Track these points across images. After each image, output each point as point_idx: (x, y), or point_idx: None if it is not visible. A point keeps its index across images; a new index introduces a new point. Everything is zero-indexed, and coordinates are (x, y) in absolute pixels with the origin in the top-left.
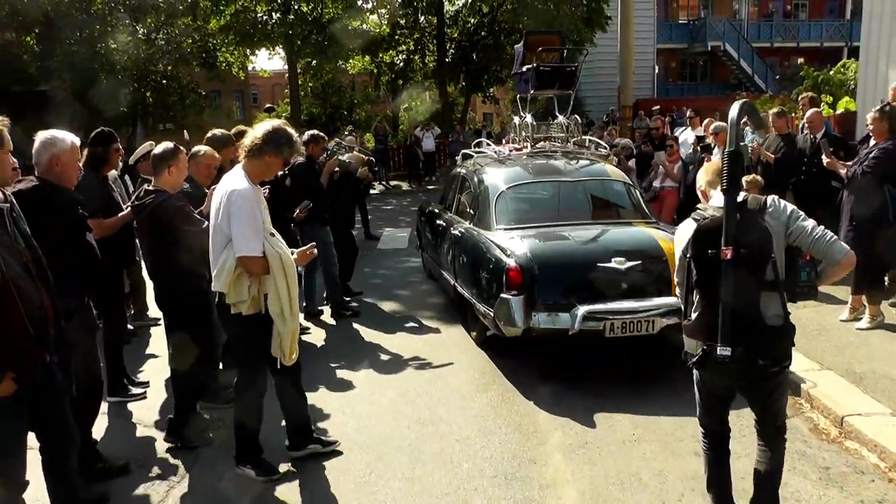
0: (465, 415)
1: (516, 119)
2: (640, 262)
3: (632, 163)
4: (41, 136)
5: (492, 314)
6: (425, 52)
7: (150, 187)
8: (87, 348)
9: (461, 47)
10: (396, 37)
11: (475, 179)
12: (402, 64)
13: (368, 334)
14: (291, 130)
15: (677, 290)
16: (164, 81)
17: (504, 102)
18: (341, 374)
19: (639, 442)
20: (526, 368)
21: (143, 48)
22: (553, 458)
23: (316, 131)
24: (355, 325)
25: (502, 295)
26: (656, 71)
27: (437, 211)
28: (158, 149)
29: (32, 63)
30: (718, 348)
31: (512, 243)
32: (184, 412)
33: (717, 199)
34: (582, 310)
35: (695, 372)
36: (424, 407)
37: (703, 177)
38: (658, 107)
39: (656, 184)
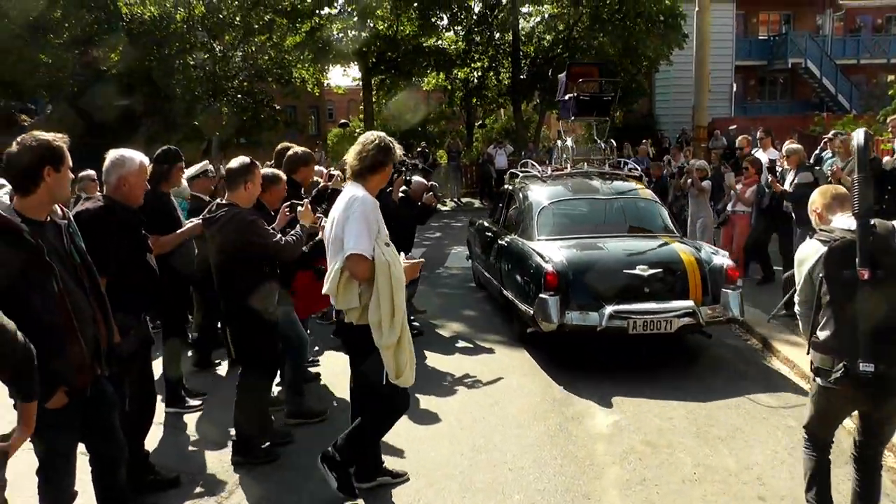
0: (520, 443)
1: (559, 142)
2: (660, 270)
3: (706, 184)
4: (111, 155)
5: (531, 312)
6: (499, 69)
7: (223, 201)
8: (142, 363)
9: (536, 64)
10: (471, 53)
11: (521, 196)
12: (476, 81)
13: (430, 356)
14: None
15: (798, 308)
16: (239, 97)
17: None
18: None
19: (700, 482)
20: (587, 397)
21: (219, 65)
22: (608, 494)
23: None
24: (417, 346)
25: (541, 295)
26: (734, 89)
27: (486, 224)
28: (235, 163)
29: (114, 79)
30: (861, 364)
31: (551, 251)
32: (256, 432)
33: (841, 221)
34: (609, 309)
35: (816, 384)
36: (480, 434)
37: (818, 199)
38: (735, 126)
39: (729, 207)
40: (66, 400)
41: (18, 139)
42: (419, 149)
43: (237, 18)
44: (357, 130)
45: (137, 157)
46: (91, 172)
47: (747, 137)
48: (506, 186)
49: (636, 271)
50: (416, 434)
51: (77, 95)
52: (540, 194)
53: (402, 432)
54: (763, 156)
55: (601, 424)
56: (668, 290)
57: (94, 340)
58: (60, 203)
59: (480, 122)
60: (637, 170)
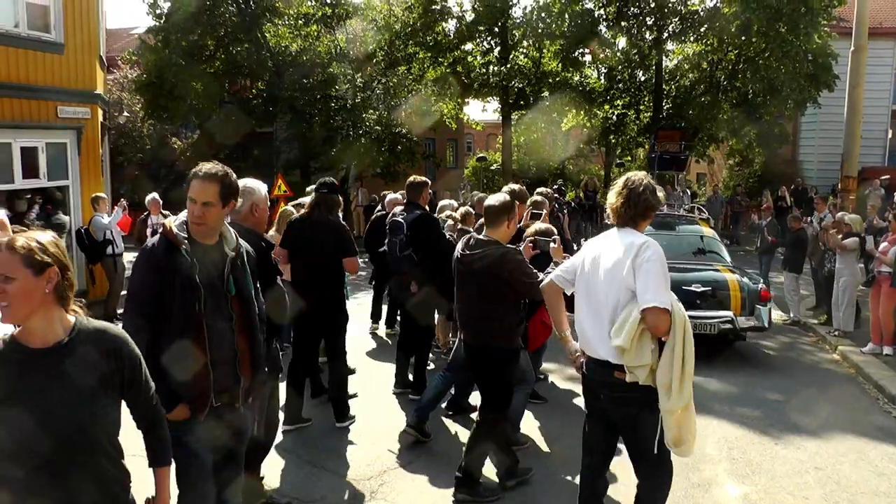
0: None
1: None
2: (710, 288)
3: (850, 241)
4: (239, 184)
5: None
6: (639, 107)
7: (483, 237)
8: (270, 390)
9: (676, 105)
10: (612, 91)
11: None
12: (615, 118)
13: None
14: None
15: None
16: (378, 128)
17: (720, 163)
18: None
19: None
20: (714, 460)
21: (360, 95)
22: None
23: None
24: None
25: None
26: (889, 135)
27: None
28: (496, 200)
29: (260, 106)
30: None
31: None
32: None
33: None
34: None
35: None
36: None
37: None
38: (887, 176)
39: (874, 268)
40: (187, 414)
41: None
42: (555, 186)
43: (380, 52)
44: (494, 164)
45: (262, 186)
46: (155, 195)
47: None
48: (605, 222)
49: (692, 288)
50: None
51: (223, 122)
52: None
53: None
54: None
55: (729, 498)
56: (716, 304)
57: (230, 371)
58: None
59: (619, 161)
60: (705, 213)
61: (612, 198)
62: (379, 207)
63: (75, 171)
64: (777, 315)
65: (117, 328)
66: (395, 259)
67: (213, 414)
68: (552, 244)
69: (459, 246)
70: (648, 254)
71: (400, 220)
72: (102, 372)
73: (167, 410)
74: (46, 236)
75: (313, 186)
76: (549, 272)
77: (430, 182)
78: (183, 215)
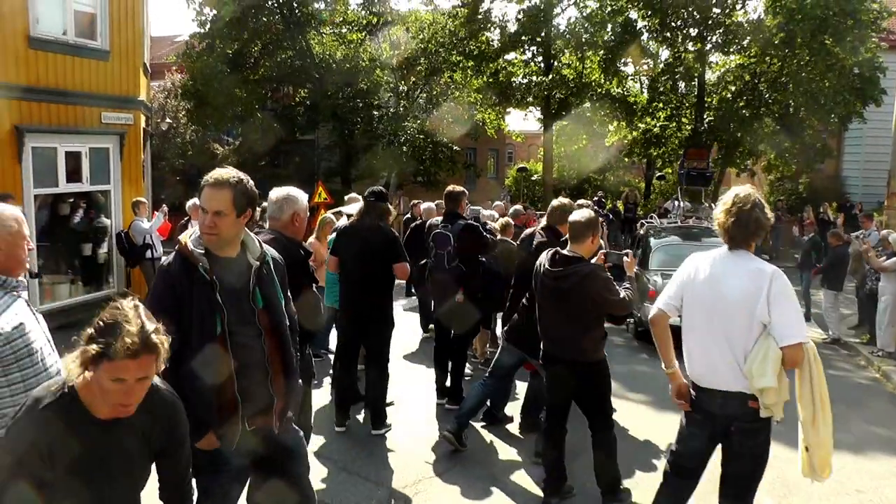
0: None
1: (676, 202)
2: None
3: (891, 262)
4: (280, 192)
5: (640, 316)
6: (681, 119)
7: (568, 253)
8: (303, 396)
9: (717, 117)
10: (654, 103)
11: (645, 239)
12: (656, 130)
13: None
14: None
15: None
16: (420, 136)
17: (761, 178)
18: None
19: None
20: None
21: (402, 103)
22: None
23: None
24: None
25: (645, 304)
26: None
27: None
28: (581, 216)
29: (304, 114)
30: None
31: (656, 278)
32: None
33: None
34: None
35: None
36: None
37: None
38: None
39: None
40: (217, 443)
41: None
42: (595, 198)
43: (422, 59)
44: (535, 175)
45: (303, 194)
46: (196, 201)
47: None
48: (639, 231)
49: None
50: None
51: (266, 129)
52: (656, 240)
53: None
54: None
55: None
56: None
57: (263, 390)
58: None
59: (659, 174)
60: None
61: (721, 216)
62: (409, 215)
63: (117, 176)
64: (817, 333)
65: (170, 391)
66: (443, 271)
67: (247, 439)
68: (625, 258)
69: (544, 261)
70: (782, 284)
71: (446, 231)
72: (148, 435)
73: (196, 439)
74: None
75: (352, 195)
76: (625, 286)
77: (467, 192)
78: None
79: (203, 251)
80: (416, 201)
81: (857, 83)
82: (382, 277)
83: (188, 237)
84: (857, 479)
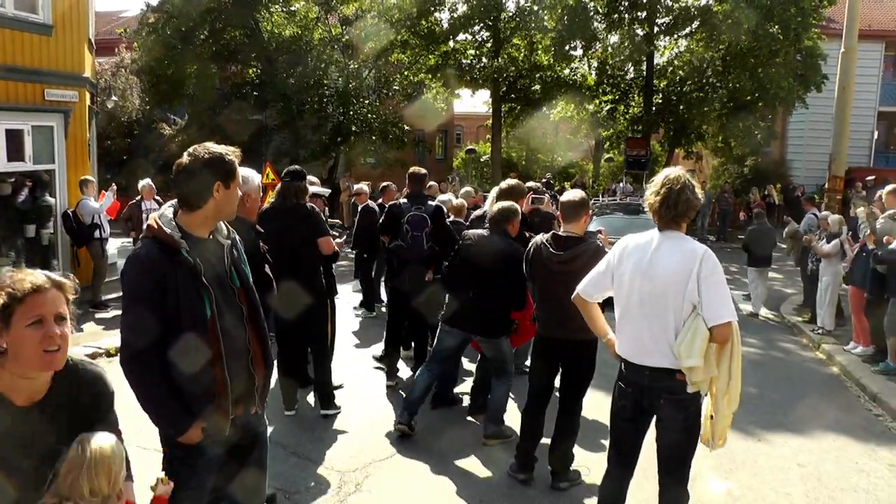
0: None
1: (621, 184)
2: None
3: (828, 247)
4: None
5: None
6: (630, 102)
7: (563, 233)
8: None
9: (665, 99)
10: (602, 86)
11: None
12: (604, 113)
13: None
14: None
15: None
16: (370, 116)
17: (707, 160)
18: None
19: None
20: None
21: (352, 83)
22: None
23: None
24: None
25: None
26: (875, 136)
27: None
28: (574, 196)
29: (251, 94)
30: None
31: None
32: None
33: None
34: None
35: None
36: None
37: None
38: (873, 177)
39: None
40: (200, 436)
41: (191, 150)
42: (544, 179)
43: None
44: (484, 156)
45: (255, 175)
46: (149, 181)
47: None
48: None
49: None
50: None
51: (214, 108)
52: (598, 216)
53: None
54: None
55: (713, 493)
56: None
57: (245, 374)
58: (226, 219)
59: (608, 156)
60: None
61: (651, 197)
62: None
63: (62, 155)
64: (764, 311)
65: (92, 364)
66: (418, 252)
67: (228, 427)
68: (599, 235)
69: (542, 244)
70: (711, 265)
71: (421, 213)
72: (73, 412)
73: (180, 432)
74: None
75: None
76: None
77: (427, 174)
78: (168, 210)
79: (179, 234)
80: (386, 183)
81: (801, 70)
82: (309, 256)
83: (158, 219)
84: (800, 455)
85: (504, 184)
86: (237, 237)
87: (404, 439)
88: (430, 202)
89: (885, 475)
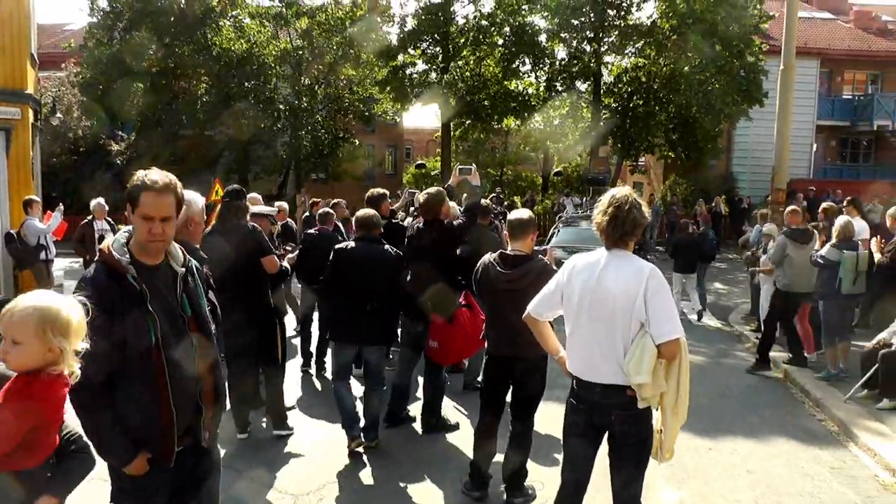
0: None
1: (569, 198)
2: None
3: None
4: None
5: None
6: (579, 117)
7: (511, 252)
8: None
9: (614, 113)
10: (551, 101)
11: (557, 224)
12: (553, 127)
13: None
14: None
15: None
16: (322, 132)
17: (654, 172)
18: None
19: None
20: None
21: (304, 99)
22: None
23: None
24: None
25: None
26: (814, 149)
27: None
28: (523, 214)
29: (201, 109)
30: None
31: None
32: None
33: None
34: None
35: None
36: None
37: None
38: (813, 188)
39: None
40: (146, 468)
41: (136, 176)
42: (493, 194)
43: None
44: (434, 171)
45: (199, 198)
46: (101, 200)
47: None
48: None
49: None
50: None
51: (164, 124)
52: (562, 224)
53: None
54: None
55: (666, 502)
56: None
57: (193, 405)
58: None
59: (556, 170)
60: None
61: (598, 217)
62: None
63: (3, 174)
64: (713, 322)
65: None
66: None
67: (177, 456)
68: (541, 256)
69: (489, 263)
70: (657, 282)
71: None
72: None
73: (124, 463)
74: None
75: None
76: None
77: (388, 193)
78: (122, 235)
79: (129, 259)
80: (336, 200)
81: (744, 85)
82: (254, 275)
83: (111, 245)
84: (749, 461)
85: (426, 193)
86: (195, 265)
87: (358, 460)
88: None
89: (827, 478)
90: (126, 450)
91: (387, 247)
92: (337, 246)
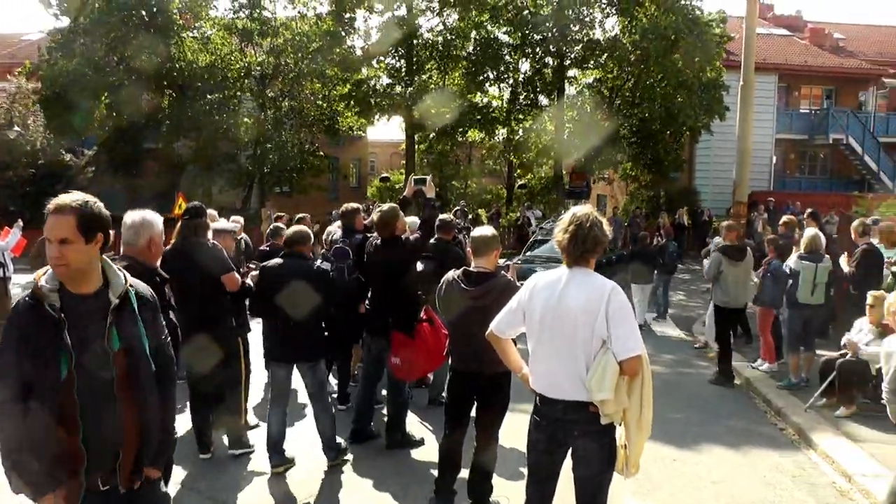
0: None
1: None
2: None
3: None
4: (136, 217)
5: None
6: (542, 131)
7: (478, 269)
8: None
9: (577, 128)
10: (515, 113)
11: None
12: (516, 139)
13: None
14: None
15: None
16: (289, 145)
17: (618, 184)
18: None
19: None
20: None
21: (268, 113)
22: None
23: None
24: None
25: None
26: (773, 161)
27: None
28: (486, 232)
29: (164, 122)
30: None
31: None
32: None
33: None
34: None
35: None
36: None
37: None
38: (773, 199)
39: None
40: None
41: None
42: (458, 208)
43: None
44: (398, 184)
45: (159, 218)
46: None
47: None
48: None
49: None
50: None
51: (125, 138)
52: (537, 238)
53: None
54: None
55: None
56: None
57: (110, 445)
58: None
59: (521, 182)
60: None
61: (559, 235)
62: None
63: None
64: (674, 332)
65: None
66: (342, 284)
67: (95, 499)
68: (504, 271)
69: (453, 280)
70: (619, 300)
71: (345, 246)
72: None
73: (37, 496)
74: None
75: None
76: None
77: (361, 208)
78: None
79: (56, 287)
80: (301, 215)
81: (705, 100)
82: (215, 293)
83: (43, 273)
84: (714, 472)
85: (387, 206)
86: (138, 292)
87: (321, 479)
88: (357, 235)
89: (788, 486)
90: (40, 480)
91: (317, 262)
92: (262, 264)
